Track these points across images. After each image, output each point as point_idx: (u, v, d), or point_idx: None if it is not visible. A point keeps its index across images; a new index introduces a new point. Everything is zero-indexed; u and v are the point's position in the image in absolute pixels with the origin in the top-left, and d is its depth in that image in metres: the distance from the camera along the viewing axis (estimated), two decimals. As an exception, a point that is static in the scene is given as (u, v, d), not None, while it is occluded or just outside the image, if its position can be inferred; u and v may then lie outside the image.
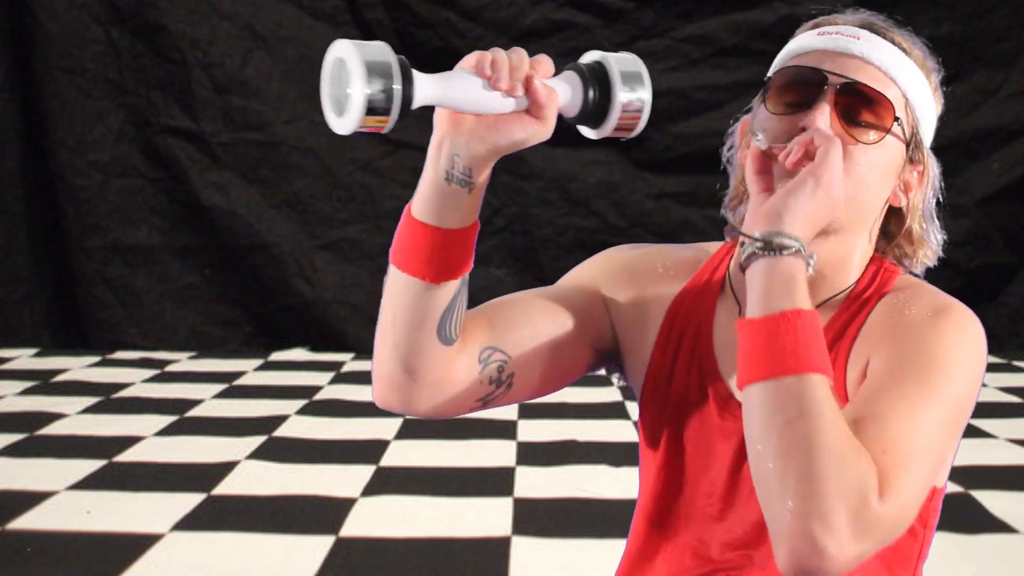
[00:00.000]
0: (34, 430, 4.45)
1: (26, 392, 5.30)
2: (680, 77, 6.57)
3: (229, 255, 6.62)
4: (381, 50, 0.90)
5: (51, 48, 6.46)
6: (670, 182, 6.59)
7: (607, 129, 1.01)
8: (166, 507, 3.39)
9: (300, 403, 5.01)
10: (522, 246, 6.68)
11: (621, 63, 1.00)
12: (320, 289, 6.59)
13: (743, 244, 0.99)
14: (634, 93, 0.99)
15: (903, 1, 6.20)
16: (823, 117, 1.05)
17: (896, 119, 1.07)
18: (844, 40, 1.10)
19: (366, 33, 6.53)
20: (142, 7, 6.46)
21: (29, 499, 3.47)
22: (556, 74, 1.00)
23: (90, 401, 5.06)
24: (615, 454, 3.94)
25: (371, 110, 0.89)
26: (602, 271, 1.23)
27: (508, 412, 4.64)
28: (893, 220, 1.15)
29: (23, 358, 6.28)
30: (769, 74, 1.13)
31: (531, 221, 6.68)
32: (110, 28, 6.51)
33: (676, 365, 1.18)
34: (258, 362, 6.24)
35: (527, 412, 4.66)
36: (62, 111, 6.50)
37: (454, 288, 1.03)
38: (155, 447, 4.20)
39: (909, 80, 1.10)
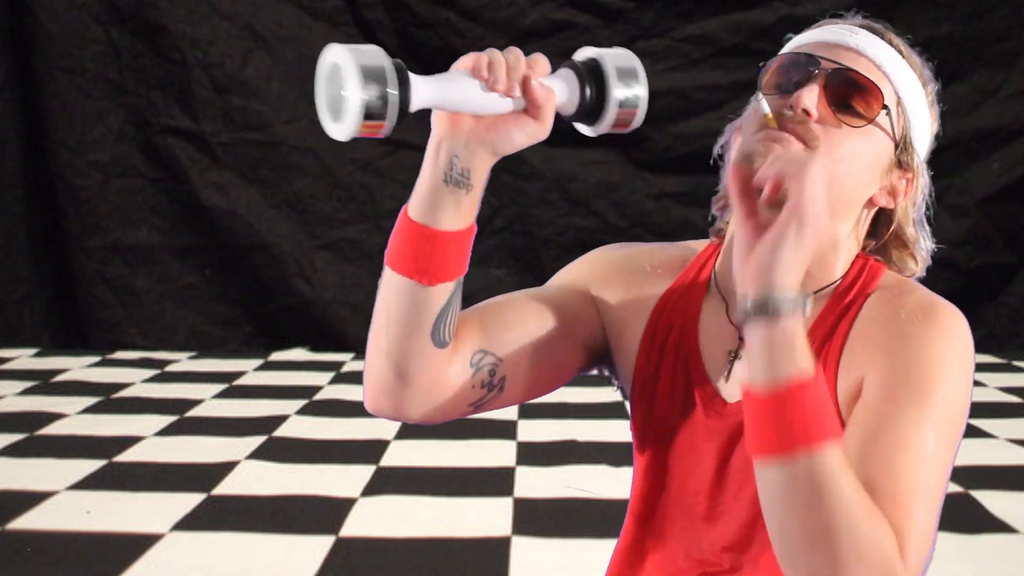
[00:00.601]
0: (34, 430, 4.45)
1: (26, 392, 5.30)
2: (680, 77, 6.57)
3: (229, 255, 6.62)
4: (375, 55, 0.89)
5: (51, 48, 6.46)
6: (670, 182, 6.59)
7: (604, 126, 1.00)
8: (166, 507, 3.39)
9: (300, 403, 5.02)
10: (522, 246, 6.68)
11: (616, 59, 0.99)
12: (320, 289, 6.59)
13: (737, 305, 0.95)
14: (630, 89, 0.99)
15: (903, 1, 6.23)
16: (810, 94, 1.05)
17: (885, 108, 1.07)
18: (841, 33, 1.11)
19: (366, 33, 6.53)
20: (142, 7, 6.46)
21: (29, 499, 3.47)
22: (552, 72, 0.99)
23: (90, 401, 5.06)
24: (615, 454, 3.94)
25: (368, 115, 0.88)
26: (591, 271, 1.23)
27: (508, 412, 4.64)
28: (881, 224, 1.14)
29: (23, 358, 6.29)
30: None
31: (531, 221, 6.68)
32: (110, 28, 6.51)
33: (662, 364, 1.17)
34: (258, 362, 6.24)
35: (527, 412, 4.66)
36: (62, 111, 6.50)
37: (449, 291, 1.02)
38: (155, 447, 4.20)
39: (903, 81, 1.10)
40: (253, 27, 6.55)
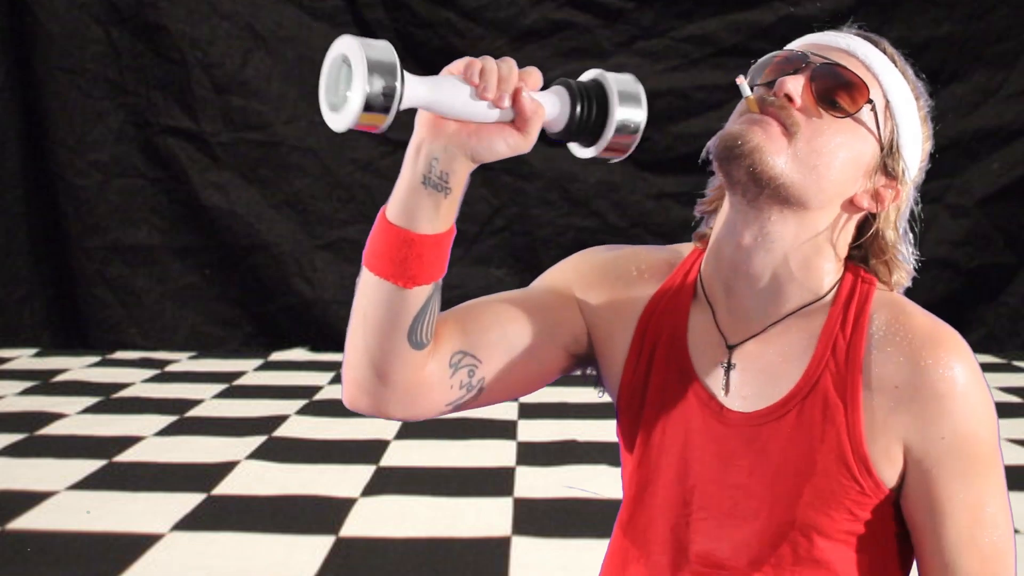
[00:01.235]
0: (34, 430, 4.45)
1: (26, 392, 5.30)
2: (680, 77, 6.57)
3: (229, 255, 6.62)
4: (385, 49, 0.89)
5: (51, 48, 6.46)
6: (670, 182, 6.59)
7: (599, 148, 0.99)
8: (166, 507, 3.39)
9: (300, 403, 5.01)
10: (522, 246, 6.68)
11: (620, 83, 0.98)
12: (320, 289, 6.59)
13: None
14: (631, 114, 0.98)
15: (903, 1, 6.23)
16: (795, 82, 1.05)
17: (869, 102, 1.07)
18: (834, 36, 1.12)
19: (366, 33, 6.52)
20: (142, 7, 6.47)
21: (29, 499, 3.47)
22: (547, 82, 0.98)
23: (90, 401, 5.06)
24: (615, 454, 3.90)
25: (369, 107, 0.88)
26: (576, 274, 1.21)
27: (508, 412, 4.64)
28: (864, 232, 1.13)
29: (23, 358, 6.28)
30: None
31: (531, 221, 6.68)
32: (110, 28, 6.51)
33: (652, 369, 1.16)
34: (258, 362, 6.24)
35: (527, 412, 4.66)
36: (62, 111, 6.50)
37: (426, 293, 1.01)
38: (155, 447, 4.20)
39: (893, 86, 1.09)
40: (253, 27, 6.55)
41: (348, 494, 3.55)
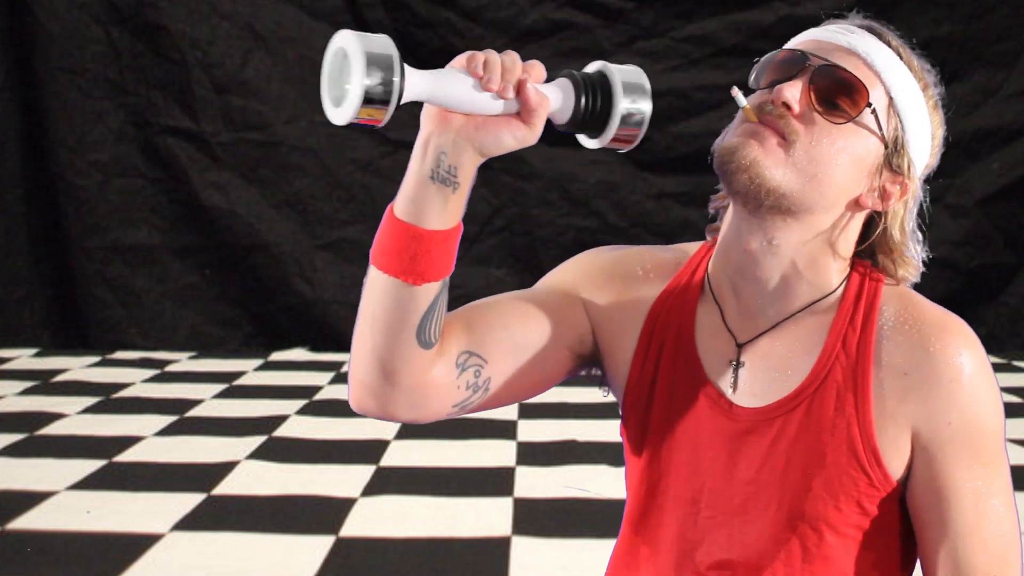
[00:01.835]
0: (34, 430, 4.45)
1: (26, 392, 5.30)
2: (680, 77, 6.57)
3: (229, 255, 6.62)
4: (383, 43, 0.90)
5: (51, 48, 6.46)
6: (670, 182, 6.59)
7: (605, 138, 0.99)
8: (166, 507, 3.39)
9: (300, 403, 5.01)
10: (522, 246, 6.68)
11: (624, 74, 0.99)
12: (320, 289, 6.59)
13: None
14: (635, 104, 0.98)
15: (903, 1, 6.23)
16: (792, 89, 1.05)
17: (869, 105, 1.06)
18: (836, 33, 1.10)
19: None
20: (142, 7, 6.46)
21: (29, 499, 3.47)
22: (550, 79, 0.99)
23: (90, 401, 5.06)
24: (615, 454, 3.94)
25: (368, 101, 0.88)
26: (581, 274, 1.21)
27: (508, 412, 4.64)
28: (871, 229, 1.13)
29: (23, 358, 6.28)
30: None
31: (531, 221, 6.68)
32: (110, 28, 6.50)
33: (659, 369, 1.16)
34: (258, 362, 6.24)
35: (527, 412, 4.66)
36: (62, 111, 6.50)
37: (435, 291, 1.01)
38: (155, 447, 4.20)
39: (898, 82, 1.08)
40: (253, 27, 6.55)
41: (348, 494, 3.55)
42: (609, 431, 4.35)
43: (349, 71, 0.89)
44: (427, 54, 6.41)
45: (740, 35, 6.54)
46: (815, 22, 1.17)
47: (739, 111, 1.09)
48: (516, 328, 1.13)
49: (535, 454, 4.07)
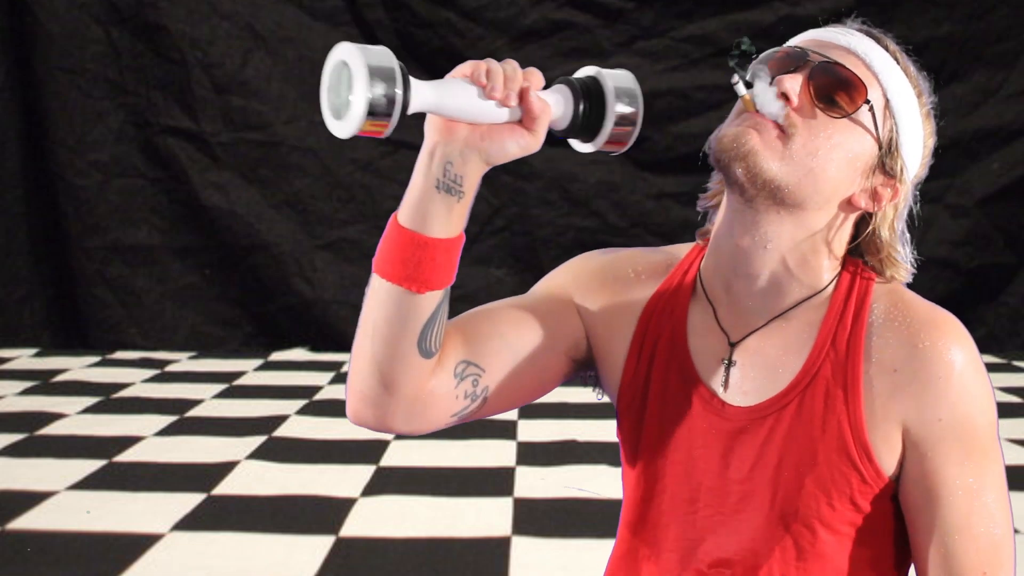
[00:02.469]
0: (34, 430, 4.45)
1: (26, 392, 5.30)
2: (680, 77, 6.57)
3: (229, 255, 6.62)
4: (384, 55, 0.90)
5: (51, 48, 6.46)
6: (670, 182, 6.59)
7: (599, 142, 1.01)
8: (166, 507, 3.39)
9: (300, 403, 5.01)
10: (522, 246, 6.68)
11: (616, 78, 1.00)
12: (320, 289, 6.59)
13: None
14: (627, 108, 0.99)
15: (903, 1, 6.23)
16: (792, 81, 1.05)
17: (867, 102, 1.06)
18: (835, 33, 1.11)
19: (366, 33, 6.53)
20: (142, 7, 6.47)
21: (29, 499, 3.47)
22: (547, 87, 1.00)
23: (90, 401, 5.06)
24: (615, 454, 3.91)
25: (372, 114, 0.89)
26: (574, 278, 1.22)
27: (508, 412, 4.64)
28: (861, 231, 1.13)
29: (23, 358, 6.28)
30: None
31: (531, 221, 6.68)
32: (110, 28, 6.51)
33: (652, 371, 1.17)
34: (258, 362, 6.24)
35: (527, 412, 4.66)
36: (62, 111, 6.50)
37: (437, 299, 1.02)
38: (155, 447, 4.20)
39: (894, 85, 1.09)
40: (253, 27, 6.55)
41: (348, 494, 3.55)
42: (609, 431, 4.33)
43: (351, 84, 0.89)
44: (427, 54, 6.41)
45: (740, 35, 6.52)
46: (815, 23, 1.17)
47: (736, 104, 1.10)
48: (512, 336, 1.13)
49: (535, 454, 4.07)
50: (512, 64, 0.96)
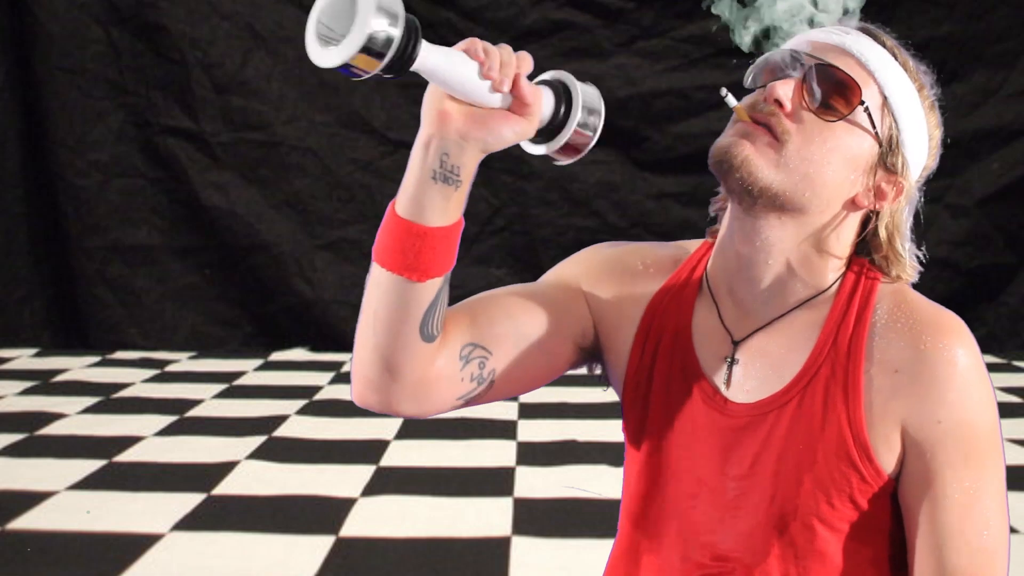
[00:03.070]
0: (34, 430, 4.45)
1: (26, 392, 5.30)
2: (680, 77, 6.57)
3: (229, 255, 6.62)
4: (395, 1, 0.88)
5: (51, 48, 6.46)
6: (670, 182, 6.59)
7: (558, 143, 1.00)
8: (166, 507, 3.39)
9: (300, 403, 5.01)
10: (522, 246, 6.68)
11: (584, 89, 1.00)
12: (320, 289, 6.59)
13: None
14: (590, 115, 1.00)
15: (903, 1, 6.23)
16: (785, 87, 1.05)
17: (862, 103, 1.06)
18: (831, 33, 1.10)
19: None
20: (142, 7, 6.47)
21: (29, 499, 3.47)
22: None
23: (90, 401, 5.06)
24: (615, 454, 3.94)
25: (366, 49, 0.86)
26: (583, 268, 1.22)
27: (508, 412, 4.64)
28: (866, 228, 1.13)
29: (23, 358, 6.28)
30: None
31: (531, 221, 6.68)
32: (110, 28, 6.51)
33: (656, 364, 1.17)
34: (258, 362, 6.24)
35: (527, 412, 4.66)
36: (62, 111, 6.50)
37: (437, 286, 1.02)
38: (155, 447, 4.20)
39: (892, 82, 1.08)
40: (253, 27, 6.55)
41: (348, 494, 3.55)
42: (609, 431, 4.35)
43: (356, 13, 0.87)
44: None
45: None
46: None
47: (733, 115, 1.10)
48: (520, 320, 1.14)
49: (535, 454, 4.07)
50: (506, 49, 0.96)
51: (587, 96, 1.00)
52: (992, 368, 6.31)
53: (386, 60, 0.87)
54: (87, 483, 3.70)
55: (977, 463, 1.04)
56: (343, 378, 5.68)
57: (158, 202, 6.63)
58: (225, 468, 3.85)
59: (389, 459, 4.01)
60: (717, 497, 1.11)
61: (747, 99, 1.10)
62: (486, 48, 0.95)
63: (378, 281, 1.03)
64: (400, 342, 1.03)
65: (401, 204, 1.00)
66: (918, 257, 1.13)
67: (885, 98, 1.08)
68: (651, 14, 6.62)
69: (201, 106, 6.54)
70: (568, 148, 1.01)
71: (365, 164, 6.61)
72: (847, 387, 1.07)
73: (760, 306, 1.12)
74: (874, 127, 1.07)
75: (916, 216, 1.14)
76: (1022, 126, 6.53)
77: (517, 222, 6.67)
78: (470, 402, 1.13)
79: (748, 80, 1.12)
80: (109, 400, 5.12)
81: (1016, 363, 6.13)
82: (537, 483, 3.68)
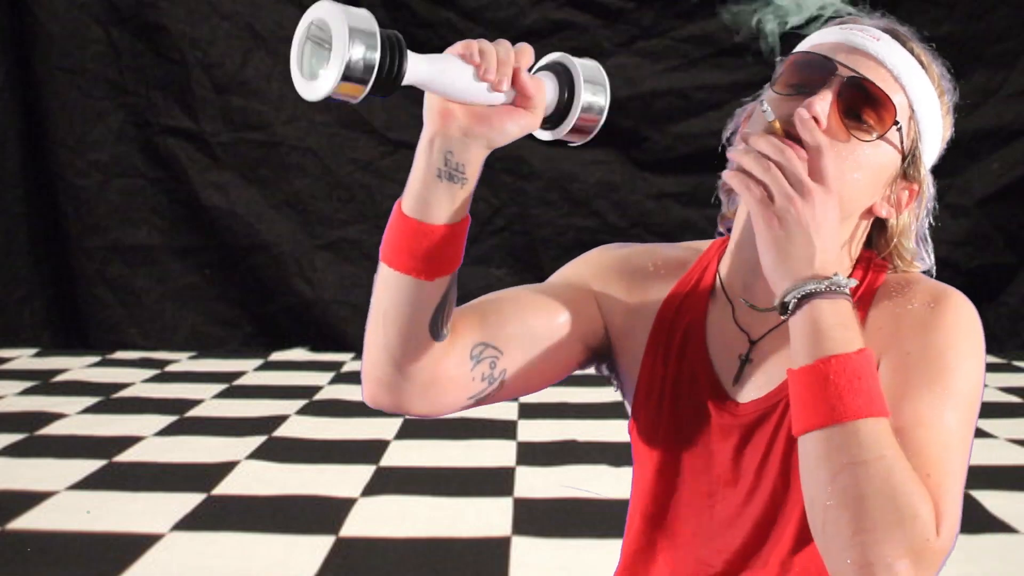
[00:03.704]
0: (34, 430, 4.45)
1: (26, 392, 5.30)
2: (680, 77, 6.57)
3: (229, 255, 6.62)
4: (365, 18, 0.88)
5: (51, 48, 6.46)
6: (670, 182, 6.59)
7: (564, 128, 1.00)
8: (166, 507, 3.39)
9: (300, 403, 5.01)
10: (522, 246, 6.68)
11: (584, 67, 0.99)
12: (320, 289, 6.59)
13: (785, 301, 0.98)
14: (595, 96, 0.99)
15: (903, 1, 6.22)
16: (823, 102, 1.03)
17: (896, 123, 1.05)
18: (862, 38, 1.08)
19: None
20: (142, 7, 6.47)
21: (29, 499, 3.47)
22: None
23: (90, 401, 5.06)
24: (615, 454, 3.94)
25: (347, 76, 0.86)
26: (593, 269, 1.22)
27: (508, 412, 4.64)
28: (881, 236, 1.13)
29: (23, 358, 6.28)
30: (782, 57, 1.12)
31: (531, 221, 6.68)
32: (110, 28, 6.51)
33: (669, 367, 1.17)
34: (258, 362, 6.24)
35: (527, 412, 4.66)
36: (62, 111, 6.50)
37: (445, 284, 1.02)
38: (155, 447, 4.20)
39: (919, 92, 1.08)
40: (253, 27, 6.55)
41: (348, 494, 3.55)
42: (609, 431, 4.35)
43: (331, 43, 0.86)
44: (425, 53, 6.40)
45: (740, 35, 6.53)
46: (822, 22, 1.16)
47: (756, 103, 1.09)
48: (531, 320, 1.14)
49: (535, 454, 4.07)
50: (505, 45, 0.95)
51: (588, 73, 0.99)
52: (992, 368, 6.33)
53: (371, 84, 0.87)
54: (87, 483, 3.70)
55: (947, 407, 0.98)
56: (343, 378, 5.68)
57: (158, 202, 6.63)
58: (225, 468, 3.85)
59: (389, 459, 4.01)
60: (734, 494, 1.12)
61: (777, 105, 1.06)
62: (482, 50, 0.94)
63: (386, 281, 1.02)
64: (410, 341, 1.03)
65: (407, 203, 0.99)
66: (928, 256, 1.14)
67: (913, 111, 1.08)
68: (651, 14, 6.62)
69: (201, 106, 6.54)
70: (577, 130, 1.00)
71: (365, 164, 6.61)
72: None
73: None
74: (901, 142, 1.07)
75: (935, 210, 1.14)
76: (1022, 126, 6.53)
77: (517, 222, 6.67)
78: (481, 402, 1.13)
79: (776, 80, 1.09)
80: (109, 400, 5.12)
81: (1016, 363, 6.13)
82: (537, 483, 3.68)
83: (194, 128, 6.55)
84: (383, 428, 4.36)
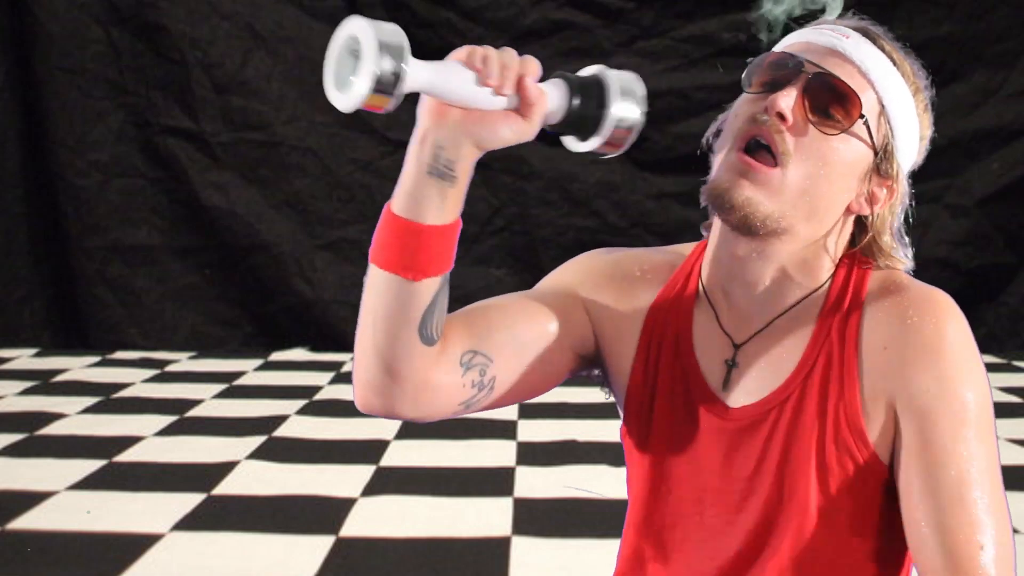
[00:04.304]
0: (34, 430, 4.45)
1: (26, 392, 5.30)
2: (680, 77, 6.57)
3: (229, 255, 6.62)
4: (395, 31, 0.90)
5: (51, 48, 6.46)
6: (670, 182, 6.59)
7: (595, 143, 1.00)
8: (166, 507, 3.39)
9: (300, 403, 5.01)
10: (522, 246, 6.68)
11: (621, 79, 1.00)
12: (320, 289, 6.59)
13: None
14: (629, 110, 0.99)
15: (903, 1, 6.23)
16: (787, 98, 1.05)
17: (862, 116, 1.06)
18: (831, 37, 1.10)
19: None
20: (142, 7, 6.47)
21: (29, 499, 3.47)
22: (544, 79, 0.99)
23: (90, 401, 5.06)
24: (615, 454, 3.92)
25: (378, 88, 0.89)
26: (580, 275, 1.22)
27: (508, 412, 4.64)
28: (862, 233, 1.13)
29: (23, 358, 6.28)
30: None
31: (531, 221, 6.68)
32: (110, 28, 6.51)
33: (659, 373, 1.17)
34: (258, 362, 6.24)
35: (527, 412, 4.66)
36: (62, 111, 6.50)
37: (435, 286, 1.01)
38: (155, 447, 4.20)
39: (890, 89, 1.08)
40: (253, 27, 6.55)
41: (348, 494, 3.55)
42: (609, 431, 4.34)
43: (359, 58, 0.89)
44: (427, 54, 6.32)
45: (741, 34, 6.54)
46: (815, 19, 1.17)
47: (737, 101, 1.11)
48: (520, 327, 1.13)
49: (535, 454, 4.07)
50: (510, 53, 0.95)
51: (624, 88, 0.99)
52: (992, 368, 6.32)
53: (396, 95, 0.90)
54: (87, 483, 3.70)
55: (967, 430, 1.03)
56: (343, 378, 5.68)
57: (158, 202, 6.63)
58: (225, 468, 3.85)
59: (389, 459, 4.01)
60: (724, 501, 1.12)
61: (745, 106, 1.09)
62: (485, 56, 0.94)
63: (375, 281, 1.02)
64: (399, 344, 1.03)
65: (397, 202, 0.99)
66: (908, 254, 1.14)
67: (883, 107, 1.08)
68: (651, 14, 6.62)
69: (201, 106, 6.54)
70: (608, 144, 1.00)
71: (365, 164, 6.61)
72: (843, 373, 1.07)
73: (757, 309, 1.13)
74: (871, 137, 1.08)
75: (907, 219, 1.15)
76: (1022, 126, 6.52)
77: (517, 222, 6.67)
78: (472, 408, 1.12)
79: (744, 81, 1.11)
80: (109, 400, 5.12)
81: (1016, 363, 6.12)
82: (537, 483, 3.68)
83: (194, 128, 6.55)
84: (383, 428, 4.36)
